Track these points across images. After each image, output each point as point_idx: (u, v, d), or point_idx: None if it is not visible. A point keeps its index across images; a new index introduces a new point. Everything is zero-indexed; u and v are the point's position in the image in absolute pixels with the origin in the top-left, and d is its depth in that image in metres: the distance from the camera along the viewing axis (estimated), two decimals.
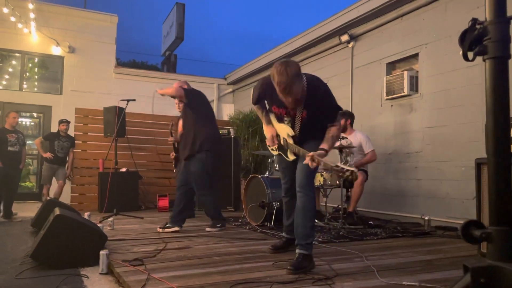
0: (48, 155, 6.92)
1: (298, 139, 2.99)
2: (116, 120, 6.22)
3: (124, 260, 2.94)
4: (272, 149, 3.28)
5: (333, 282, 2.43)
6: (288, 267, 2.68)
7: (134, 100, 5.98)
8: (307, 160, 2.61)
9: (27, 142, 9.16)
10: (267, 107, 3.22)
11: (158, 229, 4.46)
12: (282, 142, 3.11)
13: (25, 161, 6.96)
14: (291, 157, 3.07)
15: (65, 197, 7.15)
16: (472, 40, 0.95)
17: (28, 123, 9.64)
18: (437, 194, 4.93)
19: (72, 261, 3.03)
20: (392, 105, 5.71)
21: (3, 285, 2.62)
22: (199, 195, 4.65)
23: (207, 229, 4.51)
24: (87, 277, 2.78)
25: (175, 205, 4.55)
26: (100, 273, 2.84)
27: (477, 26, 0.95)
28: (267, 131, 3.23)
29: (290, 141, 3.01)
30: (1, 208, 6.17)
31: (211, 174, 4.59)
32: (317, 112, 2.86)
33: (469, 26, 0.97)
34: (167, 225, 4.44)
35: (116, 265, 2.83)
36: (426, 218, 4.65)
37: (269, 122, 3.21)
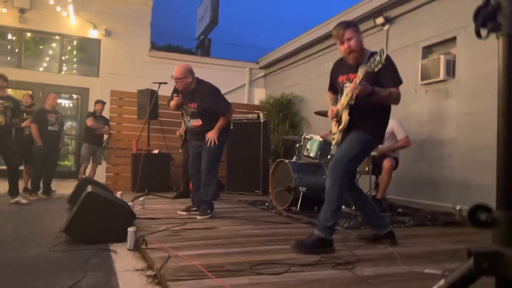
0: (106, 129, 7.27)
1: (350, 109, 2.91)
2: (149, 103, 6.34)
3: (150, 238, 3.04)
4: (333, 139, 3.19)
5: (354, 267, 2.42)
6: (294, 241, 2.75)
7: (166, 83, 6.06)
8: (351, 87, 2.71)
9: (66, 122, 9.58)
10: (337, 89, 3.18)
11: (179, 212, 4.45)
12: (339, 112, 3.02)
13: (64, 141, 7.26)
14: (338, 130, 3.01)
15: (100, 177, 7.42)
16: (485, 16, 0.90)
17: (67, 104, 10.00)
18: (471, 183, 4.76)
19: (102, 236, 3.16)
20: (427, 90, 5.53)
21: (38, 257, 2.77)
22: (207, 174, 4.30)
23: (198, 217, 4.17)
24: (115, 252, 2.89)
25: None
26: (128, 249, 2.95)
27: (492, 2, 0.89)
28: (329, 110, 3.16)
29: (345, 100, 2.93)
30: (41, 185, 6.48)
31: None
32: (380, 76, 2.80)
33: (483, 2, 0.92)
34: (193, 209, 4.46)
35: (143, 242, 2.92)
36: (458, 207, 4.51)
37: (333, 104, 3.19)
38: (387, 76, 2.83)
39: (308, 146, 5.08)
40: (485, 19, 0.92)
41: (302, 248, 2.71)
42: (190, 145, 4.61)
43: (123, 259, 2.75)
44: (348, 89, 2.81)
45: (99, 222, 3.17)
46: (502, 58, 0.88)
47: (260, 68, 10.63)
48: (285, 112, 8.61)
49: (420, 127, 5.58)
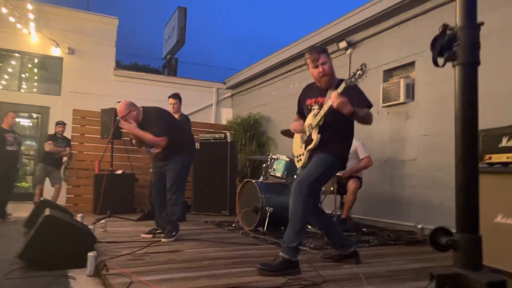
0: (67, 151, 7.03)
1: (319, 129, 2.97)
2: (113, 122, 6.21)
3: (112, 262, 2.93)
4: (297, 161, 3.23)
5: None
6: (258, 264, 2.74)
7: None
8: (333, 95, 2.75)
9: (26, 142, 9.21)
10: (304, 111, 3.23)
11: (143, 235, 4.32)
12: (306, 132, 3.08)
13: (22, 161, 6.97)
14: (305, 150, 3.06)
15: (61, 198, 7.14)
16: (442, 45, 0.94)
17: (26, 124, 9.64)
18: (431, 203, 4.91)
19: (60, 262, 3.01)
20: (388, 112, 5.71)
21: None
22: (172, 194, 4.18)
23: (163, 240, 4.06)
24: (74, 279, 2.76)
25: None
26: (88, 275, 2.83)
27: (448, 32, 0.94)
28: (294, 123, 3.25)
29: (312, 120, 3.00)
30: None
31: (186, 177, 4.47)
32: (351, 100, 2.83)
33: (440, 31, 0.96)
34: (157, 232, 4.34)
35: (104, 267, 2.81)
36: (420, 226, 4.64)
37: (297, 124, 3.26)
38: (359, 99, 2.92)
39: (275, 166, 5.10)
40: (441, 48, 0.96)
41: (267, 270, 2.69)
42: (154, 165, 4.53)
43: (82, 286, 2.63)
44: (327, 102, 2.85)
45: (57, 247, 3.03)
46: (458, 85, 0.92)
47: (227, 88, 10.69)
48: (252, 132, 8.65)
49: (383, 147, 5.74)
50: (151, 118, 4.18)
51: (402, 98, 5.33)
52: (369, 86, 5.98)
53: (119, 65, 10.84)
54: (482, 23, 0.92)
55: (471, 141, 0.88)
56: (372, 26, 5.98)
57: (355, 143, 5.27)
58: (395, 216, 5.39)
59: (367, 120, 2.96)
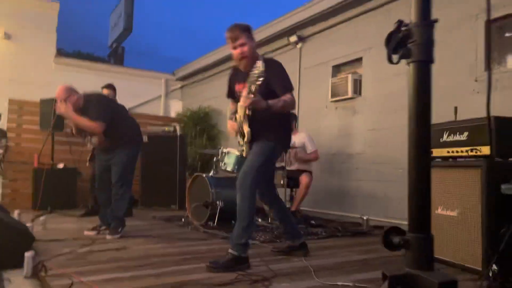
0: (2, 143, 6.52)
1: (249, 121, 2.89)
2: (53, 113, 5.86)
3: (52, 262, 2.76)
4: (241, 151, 3.12)
5: (270, 283, 2.42)
6: (208, 262, 2.70)
7: None
8: (242, 99, 2.71)
9: None
10: (235, 95, 3.14)
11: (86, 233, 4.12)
12: (238, 123, 2.98)
13: None
14: (243, 142, 2.97)
15: None
16: (397, 43, 0.94)
17: None
18: (376, 195, 5.09)
19: None
20: (336, 107, 5.84)
21: None
22: (118, 188, 4.02)
23: (108, 237, 3.92)
24: (9, 281, 2.57)
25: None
26: (25, 277, 2.64)
27: (402, 29, 0.93)
28: (228, 125, 3.13)
29: (241, 112, 2.90)
30: None
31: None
32: (270, 84, 2.78)
33: (395, 28, 0.96)
34: (102, 228, 4.17)
35: (42, 268, 2.64)
36: (365, 218, 4.79)
37: (231, 118, 3.14)
38: (277, 83, 2.83)
39: (225, 160, 5.05)
40: (396, 46, 0.95)
41: (217, 268, 2.65)
42: (97, 158, 4.29)
43: None
44: (241, 101, 2.80)
45: None
46: (413, 83, 0.92)
47: (177, 79, 10.44)
48: (203, 125, 8.53)
49: (330, 141, 5.86)
50: (90, 103, 3.96)
51: (349, 93, 5.47)
52: (319, 81, 6.10)
53: (60, 53, 10.22)
54: (436, 21, 0.92)
55: (424, 141, 0.89)
56: (322, 21, 6.06)
57: (303, 137, 5.36)
58: (342, 208, 5.54)
59: (285, 109, 2.91)
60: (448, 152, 2.93)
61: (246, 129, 2.90)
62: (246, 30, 2.91)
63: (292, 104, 2.89)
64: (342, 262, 3.07)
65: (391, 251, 1.01)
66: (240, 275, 2.55)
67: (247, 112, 2.85)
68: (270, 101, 2.72)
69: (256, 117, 2.86)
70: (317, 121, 6.11)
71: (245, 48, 2.86)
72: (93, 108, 3.90)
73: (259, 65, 2.51)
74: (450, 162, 2.94)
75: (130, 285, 2.31)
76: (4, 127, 6.91)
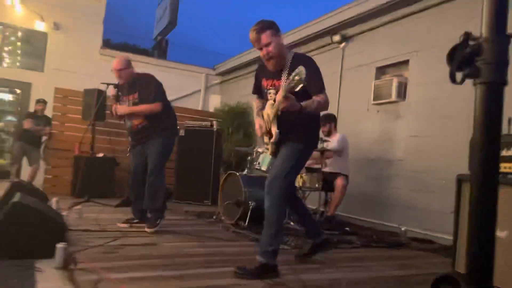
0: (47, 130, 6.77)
1: (278, 121, 2.77)
2: (96, 104, 5.98)
3: (82, 255, 2.78)
4: (266, 149, 3.03)
5: None
6: (235, 268, 2.61)
7: (116, 84, 5.75)
8: (278, 99, 2.56)
9: (6, 118, 8.91)
10: (261, 91, 3.05)
11: (119, 225, 4.11)
12: (265, 123, 2.88)
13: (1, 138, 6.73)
14: (270, 142, 2.88)
15: (38, 179, 6.92)
16: (462, 59, 0.79)
17: (6, 99, 9.29)
18: (416, 205, 4.85)
19: (29, 251, 2.82)
20: (378, 110, 5.60)
21: None
22: (155, 177, 3.95)
23: (147, 229, 3.87)
24: (41, 271, 2.60)
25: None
26: (56, 268, 2.67)
27: (470, 43, 0.79)
28: (256, 122, 3.02)
29: (271, 111, 2.77)
30: None
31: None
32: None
33: (461, 41, 0.81)
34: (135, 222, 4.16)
35: (72, 261, 2.65)
36: (403, 228, 4.57)
37: (259, 115, 3.04)
38: (311, 83, 2.65)
39: (259, 159, 4.95)
40: (461, 62, 0.81)
41: (244, 274, 2.57)
42: (132, 150, 4.24)
43: (48, 279, 2.47)
44: (276, 102, 2.66)
45: (25, 236, 2.84)
46: (480, 109, 0.78)
47: (217, 74, 10.46)
48: (240, 121, 8.47)
49: (370, 145, 5.64)
50: (147, 81, 4.04)
51: (393, 97, 5.22)
52: (361, 82, 5.88)
53: (108, 44, 10.48)
54: None
55: (491, 182, 0.75)
56: (368, 21, 5.83)
57: (337, 136, 5.20)
58: (379, 216, 5.32)
59: (319, 110, 2.79)
60: (500, 168, 2.70)
61: (274, 130, 2.78)
62: (269, 27, 2.73)
63: (326, 104, 2.75)
64: (377, 277, 2.91)
65: None
66: (267, 283, 2.46)
67: (278, 112, 2.71)
68: (304, 103, 2.59)
69: (285, 118, 2.73)
70: (357, 124, 5.90)
71: (270, 48, 2.70)
72: (154, 88, 3.99)
73: (302, 70, 2.34)
74: (500, 178, 2.71)
75: (153, 286, 2.27)
76: (50, 115, 7.14)
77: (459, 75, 0.84)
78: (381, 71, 5.75)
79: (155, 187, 3.95)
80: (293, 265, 2.97)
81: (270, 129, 2.83)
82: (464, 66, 0.80)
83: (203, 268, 2.78)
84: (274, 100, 2.73)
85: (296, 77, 2.35)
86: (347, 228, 4.76)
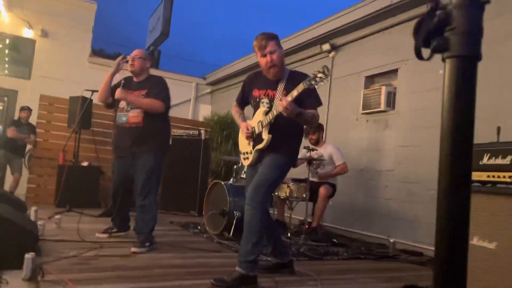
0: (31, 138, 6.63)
1: (270, 128, 2.75)
2: (79, 111, 5.86)
3: (52, 266, 2.64)
4: (244, 158, 2.99)
5: None
6: (212, 280, 2.50)
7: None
8: (281, 103, 2.53)
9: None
10: (248, 102, 3.04)
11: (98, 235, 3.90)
12: (255, 129, 2.84)
13: None
14: (253, 150, 2.83)
15: (21, 188, 6.75)
16: (429, 30, 0.69)
17: None
18: (405, 216, 4.75)
19: None
20: (367, 120, 5.53)
21: None
22: (141, 201, 3.61)
23: (133, 249, 3.43)
24: (7, 283, 2.45)
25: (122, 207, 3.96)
26: (23, 279, 2.52)
27: (438, 12, 0.68)
28: (241, 126, 2.95)
29: (263, 118, 2.77)
30: None
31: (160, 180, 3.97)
32: (300, 99, 2.62)
33: (427, 11, 0.71)
34: (114, 231, 3.98)
35: (40, 272, 2.51)
36: (392, 240, 4.47)
37: (244, 120, 3.01)
38: (311, 98, 2.71)
39: (246, 168, 4.86)
40: (428, 35, 0.71)
41: (222, 287, 2.45)
42: (118, 159, 3.91)
43: None
44: (279, 107, 2.62)
45: None
46: (449, 86, 0.67)
47: (207, 84, 10.39)
48: (229, 130, 8.38)
49: (359, 155, 5.56)
50: (160, 81, 3.84)
51: (382, 106, 5.16)
52: (350, 92, 5.82)
53: (101, 54, 10.37)
54: (488, 1, 0.66)
55: (463, 168, 0.64)
56: (356, 30, 5.80)
57: (331, 149, 5.10)
58: (367, 228, 5.21)
59: (310, 123, 2.83)
60: (488, 176, 2.61)
61: (266, 135, 2.75)
62: (274, 37, 2.80)
63: (317, 121, 2.83)
64: None
65: None
66: None
67: (272, 120, 2.72)
68: (304, 110, 2.62)
69: (277, 126, 2.73)
70: (346, 134, 5.82)
71: (274, 56, 2.75)
72: (162, 90, 3.75)
73: (325, 71, 2.41)
74: (490, 188, 2.62)
75: None
76: (34, 123, 7.00)
77: (426, 52, 0.75)
78: (370, 80, 5.71)
79: (142, 209, 3.61)
80: (275, 276, 2.85)
81: (259, 135, 2.79)
82: (431, 39, 0.70)
83: (179, 280, 2.65)
84: (269, 108, 2.77)
85: (320, 75, 2.41)
86: (334, 240, 4.64)
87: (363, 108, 5.47)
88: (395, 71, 5.26)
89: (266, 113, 2.77)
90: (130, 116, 3.68)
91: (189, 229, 4.92)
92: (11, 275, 2.59)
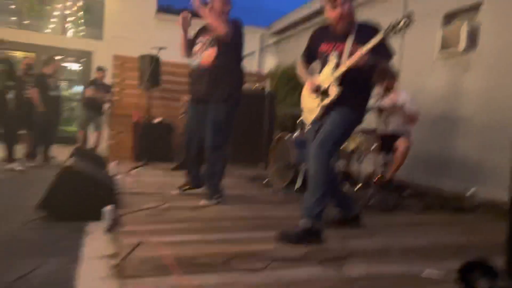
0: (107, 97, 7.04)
1: (342, 81, 2.64)
2: (149, 69, 6.04)
3: (129, 218, 2.83)
4: (309, 114, 2.91)
5: (342, 263, 2.16)
6: (279, 232, 2.52)
7: (165, 48, 5.74)
8: (356, 54, 2.49)
9: (72, 87, 9.41)
10: (315, 57, 2.90)
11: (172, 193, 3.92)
12: (323, 85, 2.74)
13: (71, 106, 7.13)
14: (321, 109, 2.73)
15: (103, 144, 7.27)
16: None
17: (72, 69, 9.78)
18: (485, 166, 4.39)
19: (80, 214, 2.94)
20: (445, 63, 5.07)
21: (5, 236, 2.59)
22: (210, 153, 3.60)
23: (203, 202, 3.53)
24: (89, 233, 2.68)
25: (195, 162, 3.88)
26: (103, 230, 2.74)
27: None
28: (307, 83, 2.87)
29: (331, 72, 2.67)
30: (41, 151, 6.34)
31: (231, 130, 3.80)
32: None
33: None
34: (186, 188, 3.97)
35: (118, 223, 2.71)
36: (471, 191, 4.18)
37: (310, 75, 2.91)
38: (384, 48, 2.58)
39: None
40: None
41: (287, 239, 2.47)
42: (190, 109, 3.87)
43: (95, 242, 2.53)
44: (346, 60, 2.55)
45: (76, 199, 2.95)
46: None
47: (273, 33, 10.12)
48: (295, 82, 8.19)
49: (435, 102, 5.16)
50: (233, 24, 3.60)
51: (462, 47, 4.67)
52: (425, 33, 5.32)
53: (169, 10, 10.47)
54: None
55: None
56: None
57: (403, 97, 4.77)
58: (444, 179, 4.92)
59: (384, 75, 2.93)
60: None
61: (334, 90, 2.65)
62: None
63: (390, 71, 2.86)
64: (435, 243, 2.67)
65: None
66: (310, 250, 2.33)
67: (340, 73, 2.61)
68: (380, 60, 2.58)
69: (346, 81, 2.62)
70: (421, 80, 5.41)
71: (345, 8, 2.61)
72: (232, 26, 3.53)
73: (408, 20, 2.36)
74: None
75: (193, 251, 2.24)
76: (110, 82, 7.38)
77: None
78: (448, 18, 5.15)
79: (210, 162, 3.61)
80: (340, 231, 2.81)
81: (326, 90, 2.70)
82: None
83: (246, 232, 2.72)
84: (337, 62, 2.66)
85: (403, 22, 2.36)
86: (406, 192, 4.45)
87: (441, 50, 5.00)
88: (477, 7, 4.68)
89: (335, 67, 2.67)
90: (203, 57, 3.64)
91: (256, 182, 5.00)
92: (93, 226, 2.82)
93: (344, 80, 2.62)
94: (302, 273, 2.00)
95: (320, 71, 2.81)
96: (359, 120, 2.79)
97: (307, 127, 3.02)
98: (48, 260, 2.14)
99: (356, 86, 2.65)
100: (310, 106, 2.85)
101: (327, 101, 2.68)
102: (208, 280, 1.84)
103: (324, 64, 2.77)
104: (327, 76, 2.71)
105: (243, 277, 1.89)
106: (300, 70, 3.02)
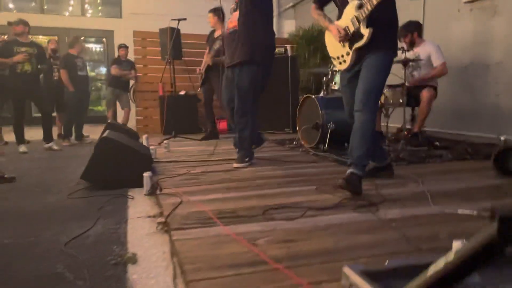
0: (132, 74, 7.14)
1: (370, 21, 2.54)
2: (169, 42, 6.09)
3: (167, 182, 2.96)
4: (340, 63, 2.80)
5: (378, 209, 2.22)
6: (339, 180, 2.50)
7: (185, 19, 5.76)
8: None
9: (98, 67, 9.57)
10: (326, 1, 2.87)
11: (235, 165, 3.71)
12: (349, 28, 2.64)
13: (96, 86, 7.29)
14: (353, 54, 2.66)
15: (131, 121, 7.44)
16: None
17: (94, 48, 9.92)
18: None
19: (121, 182, 3.09)
20: (471, 9, 4.90)
21: (55, 204, 2.76)
22: (239, 118, 3.64)
23: (235, 165, 3.62)
24: (132, 198, 2.83)
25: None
26: (145, 195, 2.88)
27: None
28: (331, 29, 2.73)
29: (357, 12, 2.55)
30: (74, 131, 6.57)
31: (259, 92, 3.73)
32: None
33: None
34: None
35: (158, 187, 2.84)
36: (503, 138, 4.11)
37: (331, 21, 2.79)
38: None
39: (336, 79, 4.74)
40: None
41: (350, 186, 2.47)
42: (225, 77, 3.86)
43: (138, 205, 2.68)
44: None
45: (115, 168, 3.10)
46: None
47: None
48: (316, 44, 8.09)
49: (463, 51, 5.03)
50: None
51: None
52: None
53: None
54: None
55: None
56: None
57: (430, 48, 4.67)
58: (474, 128, 4.86)
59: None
60: None
61: (365, 31, 2.54)
62: None
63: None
64: (468, 187, 2.69)
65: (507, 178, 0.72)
66: (344, 199, 2.40)
67: (367, 11, 2.48)
68: None
69: (375, 19, 2.51)
70: (446, 28, 5.26)
71: None
72: None
73: None
74: None
75: (232, 205, 2.34)
76: (132, 59, 7.48)
77: None
78: None
79: (238, 127, 3.69)
80: (374, 179, 2.86)
81: (356, 32, 2.59)
82: None
83: (281, 188, 2.79)
84: (360, 2, 2.53)
85: None
86: (436, 143, 4.43)
87: None
88: None
89: (360, 6, 2.54)
90: (229, 22, 3.68)
91: (285, 145, 5.07)
92: (135, 192, 2.97)
93: (372, 19, 2.51)
94: (338, 218, 2.07)
95: (340, 15, 2.73)
96: (393, 59, 2.70)
97: (339, 76, 2.92)
98: (97, 222, 2.28)
99: (385, 24, 2.56)
100: (340, 53, 2.76)
101: (361, 43, 2.57)
102: (249, 228, 1.94)
103: (343, 6, 2.67)
104: (351, 17, 2.60)
105: (281, 225, 1.98)
106: (317, 17, 2.88)
